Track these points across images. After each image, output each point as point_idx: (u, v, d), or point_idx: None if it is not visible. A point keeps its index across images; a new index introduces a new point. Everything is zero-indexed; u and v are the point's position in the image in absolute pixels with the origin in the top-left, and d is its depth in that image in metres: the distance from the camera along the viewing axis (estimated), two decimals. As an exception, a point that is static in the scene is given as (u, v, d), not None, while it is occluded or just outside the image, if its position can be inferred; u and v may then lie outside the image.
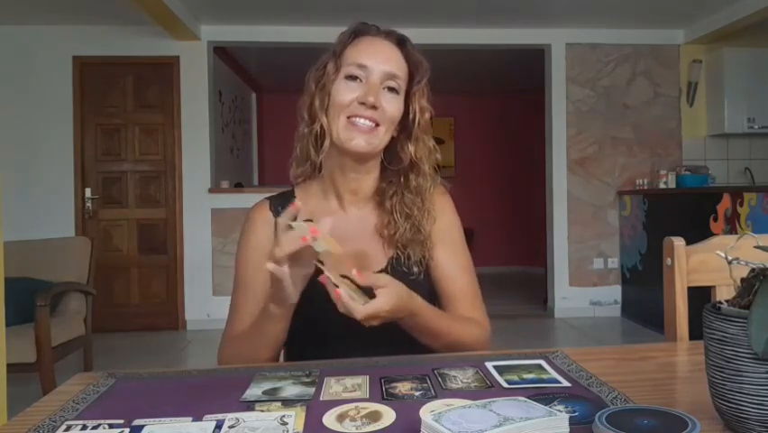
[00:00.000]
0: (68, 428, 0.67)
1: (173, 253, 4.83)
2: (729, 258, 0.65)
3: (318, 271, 0.89)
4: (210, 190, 4.79)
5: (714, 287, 1.08)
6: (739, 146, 5.19)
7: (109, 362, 3.64)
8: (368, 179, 1.09)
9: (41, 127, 4.71)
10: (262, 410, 0.70)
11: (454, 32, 4.96)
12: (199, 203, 4.79)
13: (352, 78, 1.03)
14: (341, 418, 0.67)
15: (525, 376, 0.81)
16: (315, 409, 0.70)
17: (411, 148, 1.07)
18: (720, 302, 0.63)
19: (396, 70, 1.04)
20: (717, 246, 1.05)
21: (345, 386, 0.78)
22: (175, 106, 4.83)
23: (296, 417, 0.67)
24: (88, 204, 4.78)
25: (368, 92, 1.01)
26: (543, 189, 5.32)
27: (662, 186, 4.80)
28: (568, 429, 0.60)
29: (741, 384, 0.58)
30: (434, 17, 4.65)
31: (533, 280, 6.67)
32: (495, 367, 0.85)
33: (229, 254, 4.54)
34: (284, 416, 0.67)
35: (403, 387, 0.77)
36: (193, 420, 0.67)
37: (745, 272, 0.63)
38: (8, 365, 2.02)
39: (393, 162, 1.10)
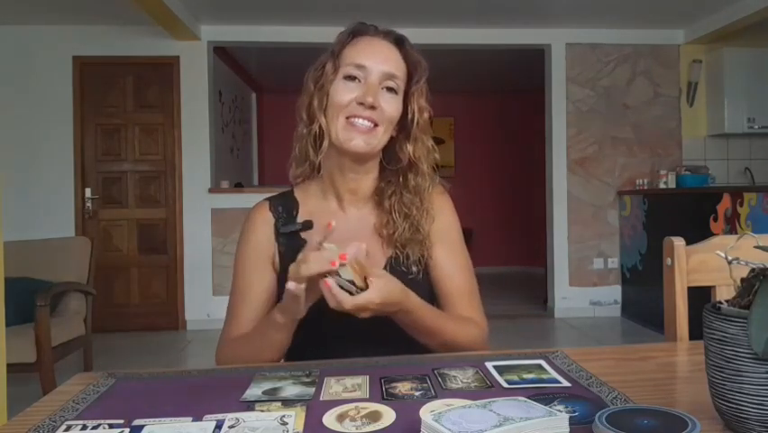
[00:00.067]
0: (68, 428, 0.67)
1: (173, 253, 4.83)
2: (729, 258, 0.65)
3: None
4: (210, 190, 4.79)
5: (714, 287, 1.08)
6: (739, 146, 5.19)
7: (109, 362, 3.64)
8: (367, 179, 1.09)
9: (41, 127, 4.71)
10: (262, 410, 0.70)
11: (454, 32, 4.95)
12: (199, 203, 4.79)
13: (351, 78, 1.03)
14: (341, 418, 0.67)
15: (525, 376, 0.81)
16: (315, 409, 0.70)
17: (410, 148, 1.08)
18: (720, 302, 0.63)
19: (394, 70, 1.04)
20: (717, 246, 1.05)
21: (345, 386, 0.78)
22: (175, 106, 4.83)
23: (296, 417, 0.67)
24: (88, 204, 4.78)
25: (366, 92, 1.01)
26: (543, 189, 5.32)
27: (662, 186, 4.80)
28: (568, 429, 0.60)
29: (741, 384, 0.58)
30: (434, 17, 4.65)
31: (533, 281, 6.67)
32: (495, 367, 0.85)
33: (229, 254, 4.54)
34: (284, 416, 0.67)
35: (403, 387, 0.77)
36: (193, 420, 0.67)
37: (745, 272, 0.63)
38: (8, 365, 2.02)
39: (392, 162, 1.10)
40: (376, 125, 1.02)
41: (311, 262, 0.84)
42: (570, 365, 0.84)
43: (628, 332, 4.57)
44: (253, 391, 0.77)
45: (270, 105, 7.32)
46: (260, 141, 7.24)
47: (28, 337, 2.68)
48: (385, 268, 1.06)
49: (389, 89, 1.04)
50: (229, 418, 0.67)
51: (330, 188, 1.10)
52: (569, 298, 5.03)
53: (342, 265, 0.84)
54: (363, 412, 0.68)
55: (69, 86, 4.74)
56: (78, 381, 0.85)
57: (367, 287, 0.86)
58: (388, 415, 0.67)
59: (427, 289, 1.09)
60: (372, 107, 1.00)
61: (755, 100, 4.89)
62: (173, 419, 0.68)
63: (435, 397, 0.73)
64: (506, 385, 0.77)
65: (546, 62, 5.09)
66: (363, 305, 0.85)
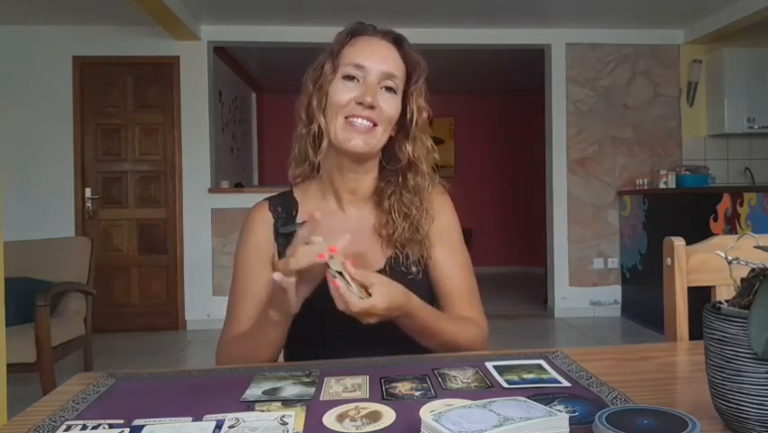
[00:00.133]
0: (68, 428, 0.66)
1: (173, 253, 4.83)
2: (729, 258, 0.65)
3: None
4: (210, 190, 4.79)
5: (714, 287, 1.08)
6: (739, 146, 5.19)
7: (109, 362, 3.64)
8: (366, 178, 1.09)
9: (41, 127, 4.71)
10: (262, 410, 0.70)
11: (454, 32, 4.95)
12: (199, 203, 4.79)
13: (350, 78, 1.03)
14: (341, 418, 0.67)
15: (525, 376, 0.81)
16: (315, 409, 0.70)
17: (409, 147, 1.07)
18: (720, 302, 0.63)
19: (393, 70, 1.04)
20: (717, 246, 1.05)
21: (345, 386, 0.78)
22: (175, 106, 4.83)
23: (296, 417, 0.67)
24: (88, 204, 4.78)
25: (365, 92, 1.01)
26: (543, 189, 5.32)
27: (662, 186, 4.80)
28: (568, 429, 0.60)
29: (741, 384, 0.58)
30: (434, 17, 4.65)
31: (533, 281, 6.67)
32: (495, 367, 0.84)
33: (229, 254, 4.54)
34: (284, 416, 0.67)
35: (403, 387, 0.77)
36: (193, 420, 0.67)
37: (745, 272, 0.63)
38: (8, 365, 2.02)
39: (391, 162, 1.10)
40: (375, 125, 1.02)
41: (300, 255, 0.84)
42: (570, 365, 0.84)
43: (628, 332, 4.57)
44: (253, 391, 0.77)
45: (270, 105, 7.32)
46: (260, 141, 7.24)
47: (28, 337, 2.68)
48: (384, 268, 1.06)
49: (388, 89, 1.04)
50: (229, 418, 0.67)
51: (329, 188, 1.10)
52: (569, 298, 5.03)
53: (331, 258, 0.84)
54: (363, 412, 0.68)
55: (69, 86, 4.74)
56: (78, 381, 0.85)
57: (369, 295, 0.86)
58: (388, 415, 0.67)
59: (427, 289, 1.09)
60: (371, 107, 1.00)
61: (755, 100, 4.89)
62: (173, 419, 0.68)
63: (435, 397, 0.73)
64: (506, 385, 0.77)
65: (546, 62, 5.09)
66: (368, 309, 0.85)
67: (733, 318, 0.58)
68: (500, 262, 7.66)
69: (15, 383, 2.24)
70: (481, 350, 1.02)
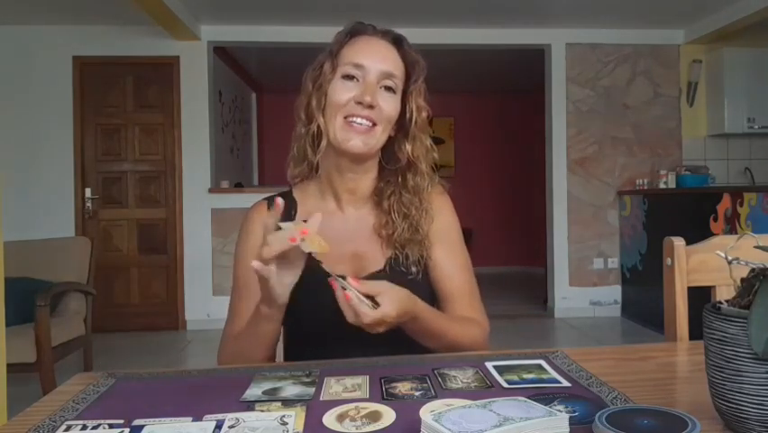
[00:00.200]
0: (68, 428, 0.66)
1: (173, 253, 4.83)
2: (729, 258, 0.65)
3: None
4: (210, 190, 4.79)
5: (714, 287, 1.08)
6: (739, 146, 5.19)
7: (109, 362, 3.64)
8: (365, 178, 1.09)
9: (41, 127, 4.71)
10: (262, 410, 0.70)
11: (454, 32, 4.95)
12: (199, 203, 4.79)
13: (349, 77, 1.03)
14: (341, 418, 0.67)
15: (525, 376, 0.81)
16: (315, 409, 0.70)
17: (408, 147, 1.07)
18: (720, 302, 0.63)
19: (392, 69, 1.04)
20: (717, 246, 1.05)
21: (345, 386, 0.78)
22: (175, 106, 4.83)
23: (296, 417, 0.67)
24: (88, 204, 4.78)
25: (365, 91, 1.00)
26: (543, 189, 5.32)
27: (662, 186, 4.80)
28: (568, 429, 0.60)
29: (741, 384, 0.58)
30: (434, 17, 4.65)
31: (533, 281, 6.67)
32: (495, 367, 0.84)
33: (229, 254, 4.54)
34: (284, 416, 0.67)
35: (403, 387, 0.77)
36: (193, 420, 0.67)
37: (745, 272, 0.63)
38: (8, 365, 2.02)
39: (391, 162, 1.10)
40: (374, 125, 1.02)
41: (271, 241, 0.83)
42: (570, 365, 0.84)
43: (628, 332, 4.57)
44: (253, 391, 0.77)
45: (270, 105, 7.32)
46: (260, 141, 7.24)
47: (28, 337, 2.68)
48: (384, 268, 1.06)
49: (388, 89, 1.04)
50: (229, 418, 0.67)
51: (328, 189, 1.10)
52: (569, 298, 5.03)
53: (302, 240, 0.83)
54: (363, 412, 0.68)
55: (69, 86, 4.74)
56: (78, 381, 0.85)
57: (375, 303, 0.86)
58: (388, 415, 0.67)
59: (427, 289, 1.09)
60: (371, 106, 1.00)
61: (755, 100, 4.89)
62: (173, 419, 0.68)
63: (435, 397, 0.73)
64: (506, 385, 0.77)
65: (546, 62, 5.09)
66: (380, 318, 0.85)
67: (733, 318, 0.58)
68: (500, 262, 7.66)
69: (15, 383, 2.25)
70: (483, 350, 1.02)
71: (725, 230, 3.61)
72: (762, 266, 0.61)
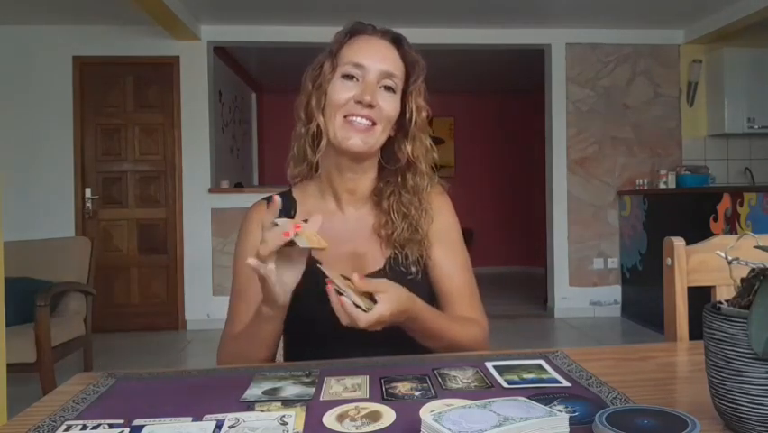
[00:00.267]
0: (68, 428, 0.66)
1: (173, 253, 4.83)
2: (729, 258, 0.65)
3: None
4: (210, 190, 4.80)
5: (714, 287, 1.08)
6: (739, 146, 5.19)
7: (109, 362, 3.65)
8: (365, 178, 1.09)
9: (41, 127, 4.71)
10: (262, 410, 0.70)
11: (454, 32, 4.96)
12: (199, 203, 4.80)
13: (349, 77, 1.03)
14: (341, 418, 0.67)
15: (525, 376, 0.81)
16: (315, 409, 0.70)
17: (408, 147, 1.07)
18: (720, 302, 0.63)
19: (392, 69, 1.04)
20: (717, 246, 1.05)
21: (345, 386, 0.78)
22: (175, 106, 4.83)
23: (296, 417, 0.67)
24: (88, 204, 4.78)
25: (364, 91, 1.00)
26: (543, 189, 5.32)
27: (662, 186, 4.80)
28: (568, 429, 0.60)
29: (741, 384, 0.58)
30: (434, 17, 4.65)
31: (533, 281, 6.67)
32: (495, 367, 0.84)
33: (229, 254, 4.54)
34: (284, 416, 0.67)
35: (403, 387, 0.77)
36: (193, 420, 0.67)
37: (745, 272, 0.63)
38: (8, 365, 2.02)
39: (390, 162, 1.10)
40: (374, 124, 1.02)
41: (267, 238, 0.83)
42: (570, 365, 0.84)
43: (628, 332, 4.57)
44: (253, 391, 0.77)
45: (270, 105, 7.32)
46: (260, 141, 7.24)
47: (28, 337, 2.68)
48: (384, 268, 1.06)
49: (387, 88, 1.04)
50: (229, 418, 0.67)
51: (328, 188, 1.10)
52: (569, 298, 5.03)
53: (297, 235, 0.82)
54: (363, 412, 0.68)
55: (69, 86, 4.74)
56: (78, 381, 0.85)
57: (374, 301, 0.86)
58: (388, 415, 0.67)
59: (427, 289, 1.09)
60: (370, 106, 1.00)
61: (755, 100, 4.89)
62: (173, 419, 0.68)
63: (435, 397, 0.73)
64: (506, 385, 0.77)
65: (546, 62, 5.09)
66: (376, 320, 0.84)
67: (733, 318, 0.58)
68: (500, 262, 7.66)
69: (15, 383, 2.25)
70: (482, 350, 1.02)
71: (725, 230, 3.61)
72: (762, 266, 0.61)
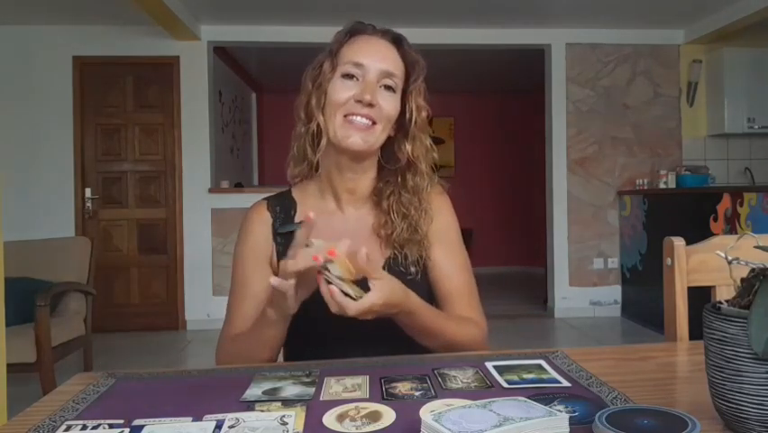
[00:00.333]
0: (68, 428, 0.66)
1: (173, 253, 4.83)
2: (729, 258, 0.65)
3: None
4: (210, 190, 4.80)
5: (714, 287, 1.08)
6: (739, 146, 5.19)
7: (109, 362, 3.65)
8: (365, 178, 1.09)
9: (41, 127, 4.71)
10: (262, 410, 0.70)
11: (454, 32, 4.96)
12: (199, 203, 4.80)
13: (349, 76, 1.03)
14: (341, 418, 0.67)
15: (525, 376, 0.81)
16: (315, 409, 0.70)
17: (408, 147, 1.07)
18: (720, 302, 0.63)
19: (392, 69, 1.04)
20: (717, 246, 1.05)
21: (345, 386, 0.78)
22: (175, 106, 4.83)
23: (296, 417, 0.67)
24: (88, 204, 4.78)
25: (364, 90, 1.01)
26: (543, 189, 5.32)
27: (662, 186, 4.80)
28: (568, 429, 0.60)
29: (741, 384, 0.58)
30: (434, 17, 4.65)
31: (533, 281, 6.67)
32: (495, 367, 0.84)
33: (229, 254, 4.52)
34: (284, 416, 0.67)
35: (403, 387, 0.77)
36: (193, 420, 0.67)
37: (745, 272, 0.63)
38: (8, 365, 2.02)
39: (390, 162, 1.10)
40: (374, 123, 1.02)
41: (298, 258, 0.84)
42: (570, 365, 0.84)
43: (628, 332, 4.57)
44: (253, 391, 0.77)
45: (270, 105, 7.32)
46: (260, 141, 7.24)
47: (28, 337, 2.68)
48: (383, 269, 1.05)
49: (387, 87, 1.04)
50: (229, 418, 0.67)
51: (328, 188, 1.10)
52: (569, 298, 5.03)
53: (329, 261, 0.82)
54: (363, 412, 0.68)
55: (69, 86, 4.74)
56: (78, 381, 0.85)
57: (367, 289, 0.86)
58: (388, 415, 0.67)
59: (426, 289, 1.09)
60: (370, 105, 1.00)
61: (755, 100, 4.89)
62: (173, 419, 0.68)
63: (435, 397, 0.73)
64: (506, 385, 0.77)
65: (546, 62, 5.09)
66: (367, 309, 0.84)
67: (733, 318, 0.58)
68: (500, 262, 7.66)
69: (15, 383, 2.24)
70: (481, 350, 1.02)
71: (725, 230, 3.61)
72: (762, 266, 0.61)
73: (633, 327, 4.66)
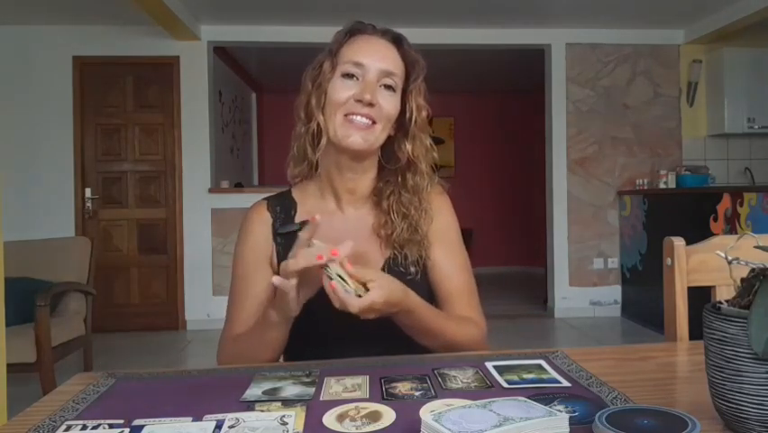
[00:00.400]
0: (68, 428, 0.67)
1: (173, 253, 4.83)
2: (729, 258, 0.65)
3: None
4: (210, 190, 4.80)
5: (714, 287, 1.08)
6: (739, 146, 5.19)
7: (109, 362, 3.65)
8: (365, 178, 1.09)
9: (41, 127, 4.71)
10: (262, 410, 0.70)
11: (454, 32, 4.96)
12: (199, 203, 4.80)
13: (349, 76, 1.03)
14: (341, 418, 0.67)
15: (525, 376, 0.81)
16: (315, 409, 0.70)
17: (408, 146, 1.07)
18: (720, 302, 0.63)
19: (392, 68, 1.04)
20: (717, 246, 1.05)
21: (345, 386, 0.78)
22: (175, 106, 4.83)
23: (296, 417, 0.67)
24: (88, 204, 4.78)
25: (364, 89, 1.01)
26: (543, 189, 5.32)
27: (662, 186, 4.80)
28: (568, 429, 0.60)
29: (741, 384, 0.58)
30: (434, 17, 4.65)
31: (533, 281, 6.67)
32: (495, 367, 0.84)
33: (229, 254, 4.52)
34: (284, 416, 0.67)
35: (403, 387, 0.77)
36: (193, 420, 0.67)
37: (745, 272, 0.63)
38: (8, 365, 2.02)
39: (390, 161, 1.10)
40: (374, 122, 1.02)
41: (299, 257, 0.84)
42: (570, 365, 0.84)
43: (628, 332, 4.57)
44: (253, 391, 0.77)
45: (270, 105, 7.32)
46: (260, 141, 7.24)
47: (28, 337, 2.68)
48: (383, 268, 1.05)
49: (387, 87, 1.04)
50: (229, 418, 0.67)
51: (328, 188, 1.10)
52: (569, 298, 5.03)
53: (331, 261, 0.83)
54: (363, 412, 0.68)
55: (69, 86, 4.74)
56: (78, 381, 0.85)
57: (366, 290, 0.86)
58: (388, 415, 0.67)
59: (426, 289, 1.09)
60: (370, 104, 1.00)
61: (755, 100, 4.89)
62: (173, 419, 0.68)
63: (435, 397, 0.73)
64: (506, 385, 0.77)
65: (546, 62, 5.09)
66: (368, 306, 0.85)
67: (733, 318, 0.58)
68: (500, 262, 7.66)
69: (15, 383, 2.24)
70: (481, 350, 1.02)
71: (725, 230, 3.61)
72: (762, 266, 0.61)
73: (633, 327, 4.66)
